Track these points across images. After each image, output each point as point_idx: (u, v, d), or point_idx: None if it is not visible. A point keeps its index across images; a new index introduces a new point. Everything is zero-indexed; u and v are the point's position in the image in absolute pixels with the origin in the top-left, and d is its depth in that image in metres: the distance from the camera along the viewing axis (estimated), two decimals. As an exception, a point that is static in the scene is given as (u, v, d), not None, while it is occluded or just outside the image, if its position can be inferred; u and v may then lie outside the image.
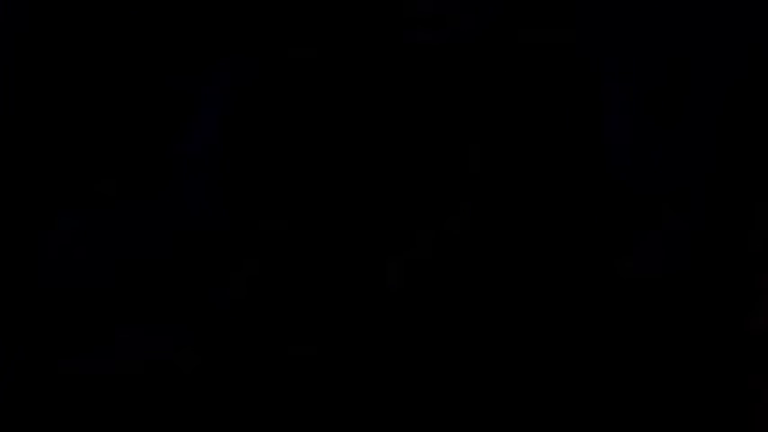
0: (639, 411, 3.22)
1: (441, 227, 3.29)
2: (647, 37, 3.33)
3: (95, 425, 3.17)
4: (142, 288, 3.24)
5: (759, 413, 3.16)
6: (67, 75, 3.30)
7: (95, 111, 3.31)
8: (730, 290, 3.21)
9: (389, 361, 3.22)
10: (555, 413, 3.20)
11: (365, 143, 3.32)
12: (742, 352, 3.20)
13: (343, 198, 3.30)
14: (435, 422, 3.21)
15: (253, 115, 3.33)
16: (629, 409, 3.22)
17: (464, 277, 3.27)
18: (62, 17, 3.29)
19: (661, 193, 3.27)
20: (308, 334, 3.24)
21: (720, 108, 3.27)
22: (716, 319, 3.22)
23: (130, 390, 3.18)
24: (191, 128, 3.30)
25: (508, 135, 3.33)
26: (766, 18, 3.28)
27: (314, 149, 3.32)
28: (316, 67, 3.34)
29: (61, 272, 3.22)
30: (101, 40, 3.31)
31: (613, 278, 3.23)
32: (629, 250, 3.25)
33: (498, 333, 3.24)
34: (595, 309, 3.25)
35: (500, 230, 3.29)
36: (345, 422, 3.21)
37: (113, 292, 3.22)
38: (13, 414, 3.14)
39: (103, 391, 3.19)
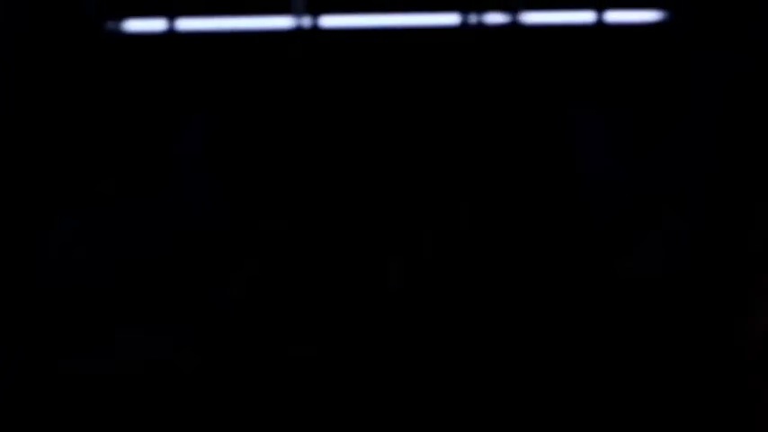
0: (639, 411, 3.21)
1: (441, 227, 3.29)
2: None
3: (95, 425, 3.16)
4: (142, 288, 3.23)
5: (759, 413, 3.16)
6: (67, 75, 3.30)
7: (96, 111, 3.31)
8: (730, 290, 3.21)
9: (389, 360, 3.22)
10: (554, 412, 3.20)
11: (366, 145, 3.32)
12: (742, 352, 3.19)
13: (343, 198, 3.30)
14: (435, 421, 3.20)
15: (251, 116, 3.33)
16: (630, 408, 3.21)
17: (464, 277, 3.26)
18: (60, 19, 3.29)
19: (661, 194, 3.27)
20: (307, 334, 3.23)
21: (720, 108, 3.27)
22: (716, 319, 3.22)
23: (130, 390, 3.18)
24: (191, 128, 3.30)
25: (505, 136, 3.33)
26: (765, 17, 3.28)
27: (314, 151, 3.32)
28: (317, 70, 3.34)
29: (61, 272, 3.22)
30: (102, 46, 3.31)
31: (613, 278, 3.23)
32: (629, 250, 3.25)
33: (498, 332, 3.24)
34: (595, 308, 3.25)
35: (500, 231, 3.29)
36: (345, 422, 3.21)
37: (113, 292, 3.22)
38: (13, 414, 3.13)
39: (103, 391, 3.19)
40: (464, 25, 3.21)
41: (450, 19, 3.32)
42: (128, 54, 3.22)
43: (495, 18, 3.15)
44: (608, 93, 3.29)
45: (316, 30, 3.22)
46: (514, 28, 3.25)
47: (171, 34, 3.24)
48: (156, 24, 3.26)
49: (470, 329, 3.25)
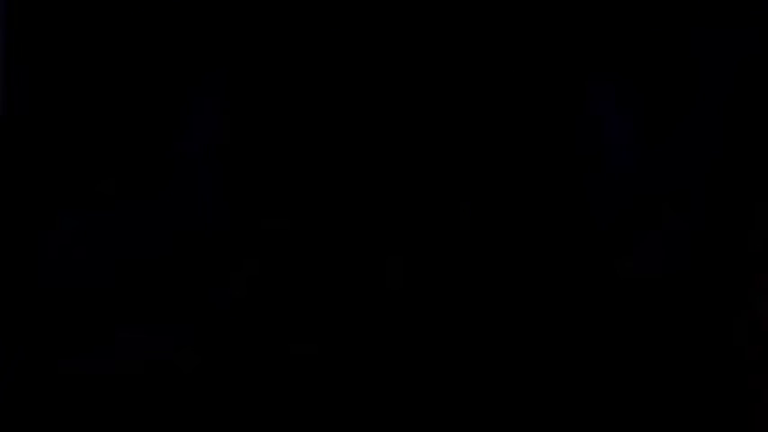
0: (640, 411, 3.22)
1: (441, 227, 3.29)
2: (644, 35, 3.33)
3: (95, 425, 3.16)
4: (142, 288, 3.23)
5: (759, 413, 3.16)
6: (68, 76, 3.30)
7: (95, 111, 3.30)
8: (730, 290, 3.21)
9: (391, 358, 3.22)
10: (555, 412, 3.20)
11: (366, 143, 3.32)
12: (742, 352, 3.20)
13: (344, 197, 3.30)
14: (435, 421, 3.20)
15: (252, 114, 3.32)
16: (630, 408, 3.22)
17: (464, 277, 3.26)
18: (61, 20, 3.28)
19: (661, 194, 3.27)
20: (309, 332, 3.24)
21: (722, 109, 3.26)
22: (716, 319, 3.22)
23: (130, 390, 3.18)
24: (191, 126, 3.30)
25: (506, 136, 3.33)
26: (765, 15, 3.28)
27: (314, 149, 3.32)
28: (315, 67, 3.34)
29: (61, 272, 3.22)
30: (100, 42, 3.30)
31: (613, 278, 3.23)
32: (629, 250, 3.25)
33: (498, 333, 3.24)
34: (595, 309, 3.25)
35: (500, 231, 3.29)
36: (347, 421, 3.21)
37: (113, 292, 3.22)
38: (14, 414, 3.13)
39: (103, 391, 3.19)
40: None
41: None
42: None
43: None
44: (622, 72, 3.27)
45: None
46: None
47: None
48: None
49: (471, 329, 3.25)
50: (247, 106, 3.32)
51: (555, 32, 3.32)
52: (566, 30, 3.32)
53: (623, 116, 3.31)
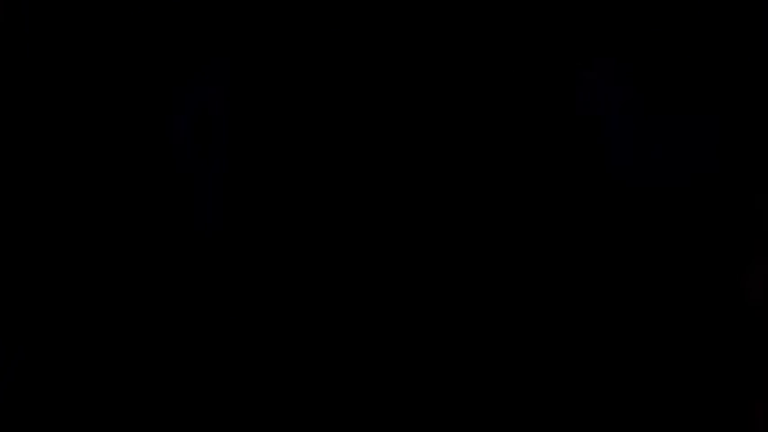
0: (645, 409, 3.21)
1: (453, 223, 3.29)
2: (645, 35, 3.34)
3: (95, 425, 3.16)
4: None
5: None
6: (73, 85, 3.31)
7: (101, 119, 3.31)
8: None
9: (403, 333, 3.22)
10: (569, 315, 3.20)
11: (373, 134, 3.33)
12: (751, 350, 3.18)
13: (348, 190, 3.30)
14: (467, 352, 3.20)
15: (257, 115, 3.34)
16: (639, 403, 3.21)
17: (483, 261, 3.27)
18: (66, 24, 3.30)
19: (661, 188, 3.27)
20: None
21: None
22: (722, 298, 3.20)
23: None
24: (199, 139, 3.30)
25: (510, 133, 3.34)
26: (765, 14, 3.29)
27: (316, 142, 3.33)
28: (315, 67, 3.35)
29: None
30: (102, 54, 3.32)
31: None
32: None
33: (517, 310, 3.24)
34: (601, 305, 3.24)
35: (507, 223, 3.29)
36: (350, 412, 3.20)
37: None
38: (14, 414, 3.12)
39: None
40: None
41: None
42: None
43: None
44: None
45: None
46: None
47: None
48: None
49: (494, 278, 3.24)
50: (249, 107, 3.33)
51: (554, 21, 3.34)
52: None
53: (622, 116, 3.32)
